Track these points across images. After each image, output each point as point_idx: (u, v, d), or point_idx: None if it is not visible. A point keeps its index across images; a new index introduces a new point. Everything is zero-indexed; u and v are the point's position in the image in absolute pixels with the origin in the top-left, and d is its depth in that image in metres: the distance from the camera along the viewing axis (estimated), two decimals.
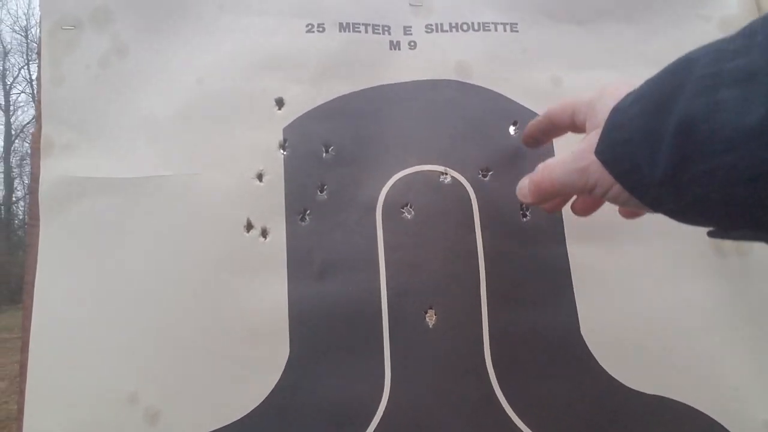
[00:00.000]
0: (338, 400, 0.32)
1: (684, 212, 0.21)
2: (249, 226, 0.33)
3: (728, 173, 0.18)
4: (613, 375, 0.33)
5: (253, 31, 0.36)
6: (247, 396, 0.31)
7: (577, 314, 0.33)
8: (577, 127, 0.29)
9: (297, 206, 0.34)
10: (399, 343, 0.33)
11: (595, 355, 0.33)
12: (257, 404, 0.31)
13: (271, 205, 0.34)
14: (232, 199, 0.33)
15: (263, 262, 0.33)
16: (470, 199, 0.35)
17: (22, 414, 0.31)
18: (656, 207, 0.22)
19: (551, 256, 0.34)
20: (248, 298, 0.32)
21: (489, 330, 0.33)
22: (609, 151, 0.23)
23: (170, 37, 0.35)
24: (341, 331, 0.33)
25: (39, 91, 0.35)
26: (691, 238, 0.35)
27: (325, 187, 0.34)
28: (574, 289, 0.34)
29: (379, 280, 0.33)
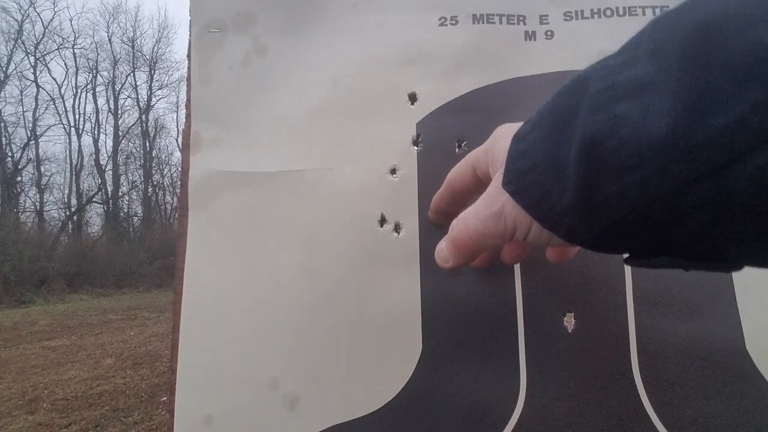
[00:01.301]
0: (471, 401, 0.31)
1: (600, 241, 0.19)
2: (383, 221, 0.33)
3: (641, 191, 0.16)
4: None
5: (386, 27, 0.36)
6: (381, 389, 0.32)
7: (741, 327, 0.30)
8: (483, 183, 0.26)
9: (430, 201, 0.33)
10: (535, 346, 0.31)
11: (764, 375, 0.29)
12: (390, 398, 0.31)
13: (404, 199, 0.34)
14: (366, 193, 0.34)
15: (396, 256, 0.33)
16: None
17: (174, 390, 0.34)
18: (572, 239, 0.20)
19: None
20: (382, 292, 0.33)
21: (636, 338, 0.30)
22: (515, 181, 0.21)
23: (306, 37, 0.37)
24: (474, 330, 0.32)
25: (189, 91, 0.37)
26: None
27: None
28: (737, 298, 0.31)
29: (514, 280, 0.32)
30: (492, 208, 0.23)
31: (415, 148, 0.34)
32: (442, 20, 0.35)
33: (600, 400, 0.30)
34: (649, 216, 0.17)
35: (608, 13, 0.35)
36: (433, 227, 0.33)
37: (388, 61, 0.35)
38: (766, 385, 0.29)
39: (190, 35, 0.38)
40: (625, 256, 0.20)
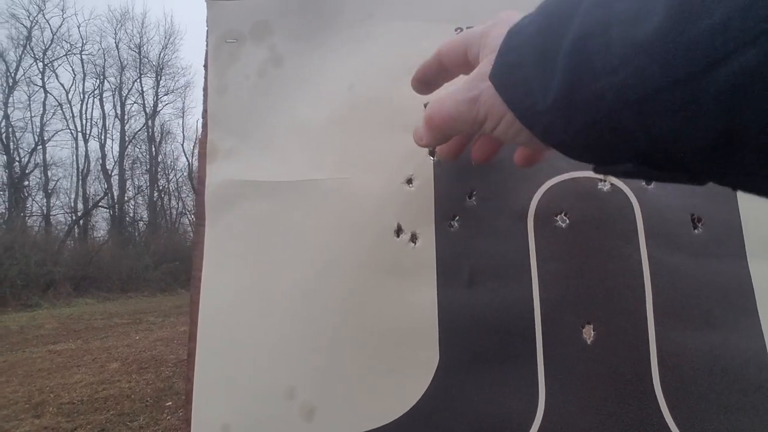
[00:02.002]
0: (489, 412, 0.31)
1: (573, 144, 0.19)
2: (399, 231, 0.33)
3: (617, 94, 0.16)
4: None
5: (402, 37, 0.36)
6: (398, 399, 0.31)
7: (763, 339, 0.30)
8: (471, 65, 0.26)
9: (446, 211, 0.33)
10: (553, 358, 0.31)
11: None
12: (407, 409, 0.31)
13: (420, 210, 0.33)
14: (383, 203, 0.34)
15: (413, 266, 0.33)
16: (633, 208, 0.32)
17: (191, 398, 0.34)
18: (547, 138, 0.20)
19: (729, 272, 0.31)
20: (398, 302, 0.32)
21: (657, 351, 0.30)
22: (503, 74, 0.21)
23: (322, 46, 0.37)
24: (492, 341, 0.32)
25: (205, 101, 0.37)
26: None
27: (474, 192, 0.33)
28: (759, 309, 0.30)
29: (532, 291, 0.32)
30: (470, 93, 0.23)
31: (432, 158, 0.34)
32: (458, 30, 0.35)
33: (620, 412, 0.30)
34: (620, 120, 0.16)
35: None
36: (449, 237, 0.33)
37: (405, 71, 0.35)
38: None
39: (206, 45, 0.38)
40: (592, 166, 0.20)
